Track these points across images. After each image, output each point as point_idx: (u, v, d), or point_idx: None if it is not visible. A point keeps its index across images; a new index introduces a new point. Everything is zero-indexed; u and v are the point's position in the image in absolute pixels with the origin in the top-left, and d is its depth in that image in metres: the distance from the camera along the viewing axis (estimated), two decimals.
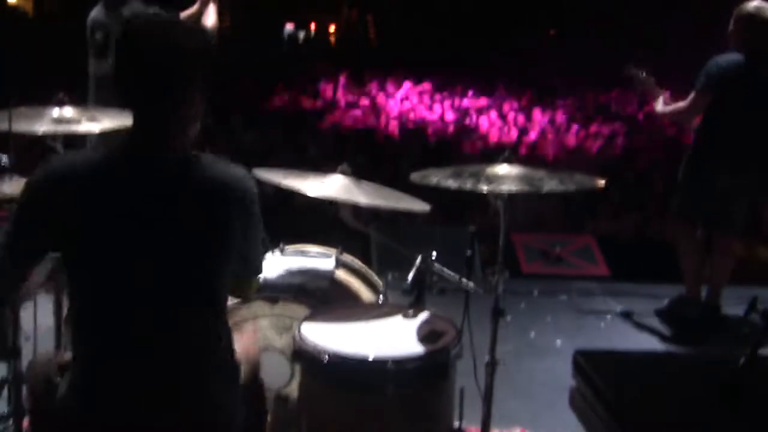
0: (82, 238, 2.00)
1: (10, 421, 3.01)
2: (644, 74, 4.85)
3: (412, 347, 2.50)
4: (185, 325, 2.04)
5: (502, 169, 2.82)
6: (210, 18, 4.48)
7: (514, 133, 9.17)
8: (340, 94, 10.86)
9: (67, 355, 2.22)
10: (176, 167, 2.01)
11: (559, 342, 4.55)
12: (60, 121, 3.22)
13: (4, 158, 3.06)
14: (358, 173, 2.96)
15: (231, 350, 2.17)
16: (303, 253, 3.24)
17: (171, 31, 1.98)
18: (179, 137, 2.03)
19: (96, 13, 4.53)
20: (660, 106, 4.81)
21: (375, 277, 3.24)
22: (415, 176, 2.82)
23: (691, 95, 4.63)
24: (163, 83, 1.97)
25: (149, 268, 2.00)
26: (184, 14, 4.51)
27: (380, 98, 10.78)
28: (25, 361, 2.98)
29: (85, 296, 2.06)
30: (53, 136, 3.25)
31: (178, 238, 2.00)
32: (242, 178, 2.07)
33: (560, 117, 10.10)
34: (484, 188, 2.68)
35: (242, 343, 2.36)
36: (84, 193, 1.98)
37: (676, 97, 4.87)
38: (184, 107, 2.01)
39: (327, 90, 11.02)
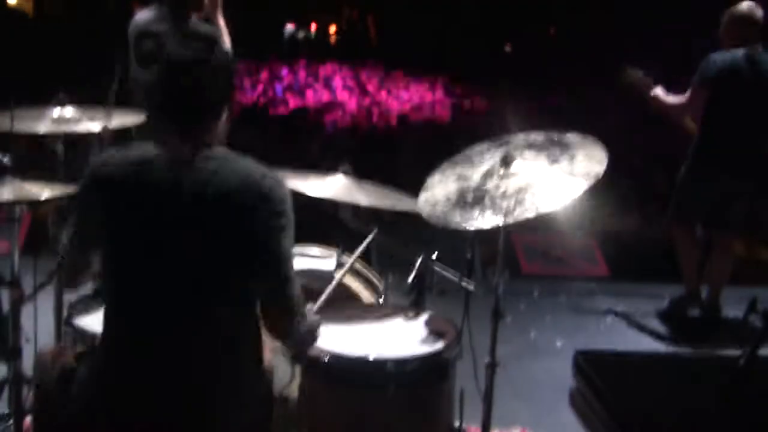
0: (119, 237, 2.07)
1: (11, 421, 3.01)
2: (642, 74, 4.87)
3: (413, 348, 2.50)
4: (213, 321, 2.06)
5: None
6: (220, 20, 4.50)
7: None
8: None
9: (76, 349, 2.25)
10: (205, 169, 2.04)
11: (559, 342, 4.54)
12: (60, 121, 3.22)
13: (5, 159, 3.06)
14: None
15: (257, 349, 2.19)
16: (303, 254, 3.24)
17: (192, 44, 2.11)
18: (207, 138, 2.11)
19: (146, 21, 4.36)
20: (661, 94, 4.82)
21: (375, 278, 3.24)
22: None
23: (689, 91, 4.66)
24: (189, 95, 2.10)
25: (181, 268, 2.03)
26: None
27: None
28: (25, 362, 2.99)
29: (117, 290, 2.10)
30: (53, 136, 3.25)
31: (209, 238, 2.03)
32: (268, 178, 2.08)
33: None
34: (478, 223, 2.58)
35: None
36: (123, 195, 2.05)
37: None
38: (209, 114, 2.12)
39: None
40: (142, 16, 4.37)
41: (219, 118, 2.14)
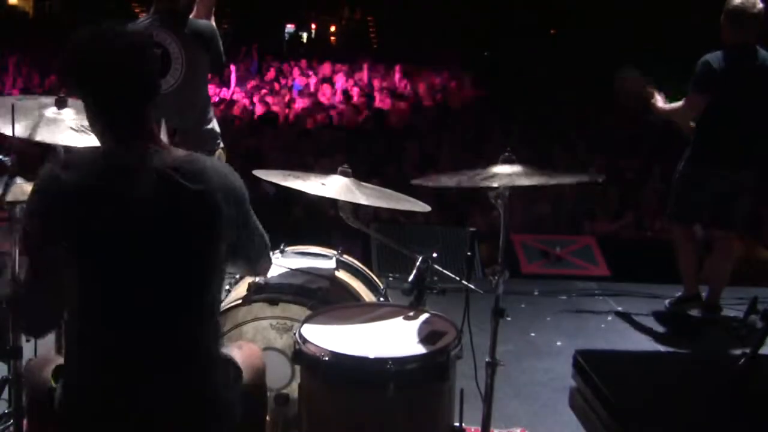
0: (78, 246, 2.02)
1: (10, 421, 3.01)
2: (639, 74, 4.85)
3: (412, 347, 2.50)
4: (178, 325, 2.06)
5: (503, 169, 2.82)
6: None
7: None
8: None
9: (61, 359, 2.23)
10: (161, 170, 2.03)
11: (559, 342, 4.54)
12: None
13: (5, 159, 3.06)
14: None
15: (221, 347, 2.20)
16: (303, 254, 3.24)
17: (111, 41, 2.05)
18: (153, 132, 2.10)
19: (144, 29, 4.33)
20: (660, 103, 4.80)
21: (375, 278, 3.24)
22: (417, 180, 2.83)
23: (688, 96, 4.62)
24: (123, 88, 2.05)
25: (143, 272, 2.01)
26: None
27: None
28: (25, 362, 2.99)
29: (79, 299, 2.07)
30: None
31: (170, 239, 2.02)
32: (229, 174, 2.15)
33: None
34: (494, 184, 2.67)
35: (245, 352, 2.38)
36: (78, 205, 2.00)
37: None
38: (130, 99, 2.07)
39: None
40: (139, 26, 4.35)
41: (143, 104, 2.08)
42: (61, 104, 3.06)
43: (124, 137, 2.07)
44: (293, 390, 2.82)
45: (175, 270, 2.03)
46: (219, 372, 2.14)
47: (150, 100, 2.09)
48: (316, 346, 2.45)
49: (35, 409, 2.28)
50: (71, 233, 2.01)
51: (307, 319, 2.65)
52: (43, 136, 2.92)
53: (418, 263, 2.81)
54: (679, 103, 4.70)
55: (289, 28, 22.79)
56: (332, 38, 23.46)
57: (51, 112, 3.03)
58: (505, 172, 2.80)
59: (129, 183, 2.01)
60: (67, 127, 2.95)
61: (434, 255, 2.84)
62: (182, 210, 2.02)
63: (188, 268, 2.05)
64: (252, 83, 13.30)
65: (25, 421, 2.96)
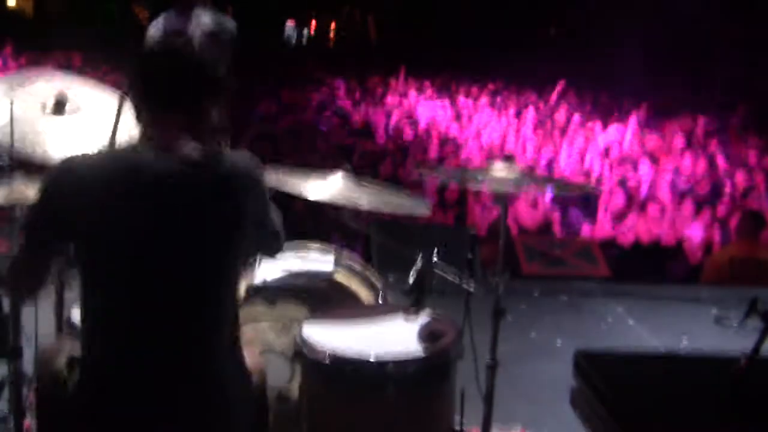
0: (98, 233, 2.02)
1: (11, 421, 3.01)
2: None
3: (413, 348, 2.50)
4: (199, 322, 2.05)
5: (502, 171, 2.82)
6: None
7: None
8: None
9: (75, 348, 2.23)
10: (193, 162, 2.05)
11: (559, 342, 4.55)
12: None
13: (4, 158, 3.06)
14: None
15: (240, 347, 2.19)
16: (302, 254, 3.23)
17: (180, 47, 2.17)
18: (189, 126, 2.11)
19: (165, 24, 4.36)
20: None
21: (374, 278, 3.24)
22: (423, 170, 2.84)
23: None
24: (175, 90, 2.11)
25: (165, 264, 2.02)
26: None
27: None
28: (25, 362, 2.99)
29: (98, 293, 2.07)
30: None
31: (194, 233, 2.03)
32: (254, 167, 2.16)
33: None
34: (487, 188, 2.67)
35: (248, 353, 2.38)
36: (102, 188, 2.01)
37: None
38: (196, 112, 2.13)
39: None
40: (157, 23, 4.42)
41: (197, 105, 2.11)
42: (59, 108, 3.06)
43: (155, 133, 2.10)
44: (293, 390, 2.82)
45: (192, 263, 2.03)
46: (232, 373, 2.14)
47: (179, 101, 2.11)
48: (317, 347, 2.45)
49: (45, 398, 2.28)
50: (81, 221, 2.01)
51: (308, 319, 2.65)
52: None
53: (418, 263, 2.81)
54: None
55: (289, 26, 22.77)
56: (331, 37, 23.47)
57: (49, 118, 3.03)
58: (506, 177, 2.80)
59: (148, 172, 2.02)
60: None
61: (434, 255, 2.84)
62: (204, 202, 2.04)
63: (205, 261, 2.05)
64: None
65: (27, 419, 2.98)
